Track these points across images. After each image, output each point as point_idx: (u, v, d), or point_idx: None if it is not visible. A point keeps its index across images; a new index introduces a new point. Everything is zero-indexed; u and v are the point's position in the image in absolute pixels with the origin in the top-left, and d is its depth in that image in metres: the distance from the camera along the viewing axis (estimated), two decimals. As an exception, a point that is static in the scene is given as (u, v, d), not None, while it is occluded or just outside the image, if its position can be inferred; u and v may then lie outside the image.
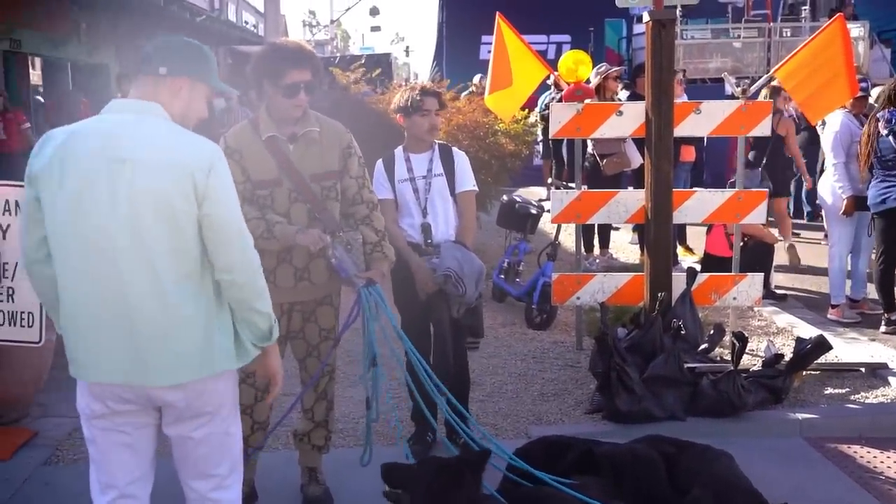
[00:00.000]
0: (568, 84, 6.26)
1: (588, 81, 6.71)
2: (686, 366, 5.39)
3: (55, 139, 2.74)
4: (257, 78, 3.94)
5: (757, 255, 7.99)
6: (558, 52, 19.71)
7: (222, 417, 2.96)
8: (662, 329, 5.54)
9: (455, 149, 4.93)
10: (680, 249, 9.74)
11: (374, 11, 47.63)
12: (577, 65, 6.20)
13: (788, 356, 5.66)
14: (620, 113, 6.11)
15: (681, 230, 9.59)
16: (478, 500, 3.25)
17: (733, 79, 6.33)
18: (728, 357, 5.47)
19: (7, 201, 4.81)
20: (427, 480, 3.21)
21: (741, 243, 8.06)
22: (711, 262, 7.95)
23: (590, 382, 5.59)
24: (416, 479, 3.25)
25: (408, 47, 62.71)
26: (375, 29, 51.98)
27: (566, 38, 19.52)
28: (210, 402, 2.89)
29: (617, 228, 10.38)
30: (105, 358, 2.75)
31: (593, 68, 9.16)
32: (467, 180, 4.82)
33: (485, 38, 17.32)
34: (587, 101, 6.17)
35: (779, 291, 8.24)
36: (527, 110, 8.62)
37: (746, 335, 5.43)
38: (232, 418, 3.02)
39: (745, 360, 5.99)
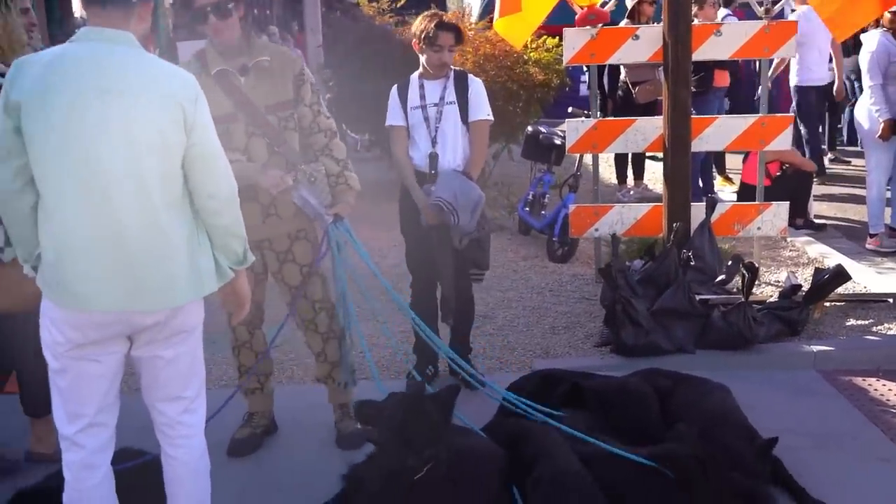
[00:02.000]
0: (581, 8, 6.03)
1: (604, 5, 6.45)
2: (698, 297, 5.26)
3: (31, 67, 2.70)
4: (177, 8, 3.82)
5: (795, 184, 7.74)
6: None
7: (195, 338, 3.03)
8: (677, 261, 5.40)
9: (471, 76, 4.76)
10: (719, 179, 9.48)
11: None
12: (591, -12, 5.96)
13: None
14: (637, 37, 5.89)
15: (719, 158, 9.30)
16: (442, 431, 3.21)
17: (756, -2, 6.01)
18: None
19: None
20: (389, 414, 3.18)
21: (780, 172, 7.89)
22: (748, 192, 7.70)
23: (603, 316, 5.49)
24: (381, 415, 3.23)
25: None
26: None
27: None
28: (187, 321, 2.96)
29: (657, 158, 10.11)
30: (102, 287, 2.75)
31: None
32: (481, 109, 4.66)
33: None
34: (601, 25, 5.93)
35: (818, 221, 7.96)
36: (557, 38, 8.35)
37: (757, 265, 5.27)
38: (200, 341, 3.07)
39: (767, 292, 5.85)
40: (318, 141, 4.00)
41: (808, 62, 8.84)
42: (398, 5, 9.09)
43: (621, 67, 8.63)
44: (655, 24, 6.58)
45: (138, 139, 2.72)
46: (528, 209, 7.68)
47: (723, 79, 8.46)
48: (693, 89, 6.01)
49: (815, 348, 5.06)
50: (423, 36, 4.56)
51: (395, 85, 4.71)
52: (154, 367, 2.97)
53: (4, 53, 3.77)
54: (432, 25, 4.54)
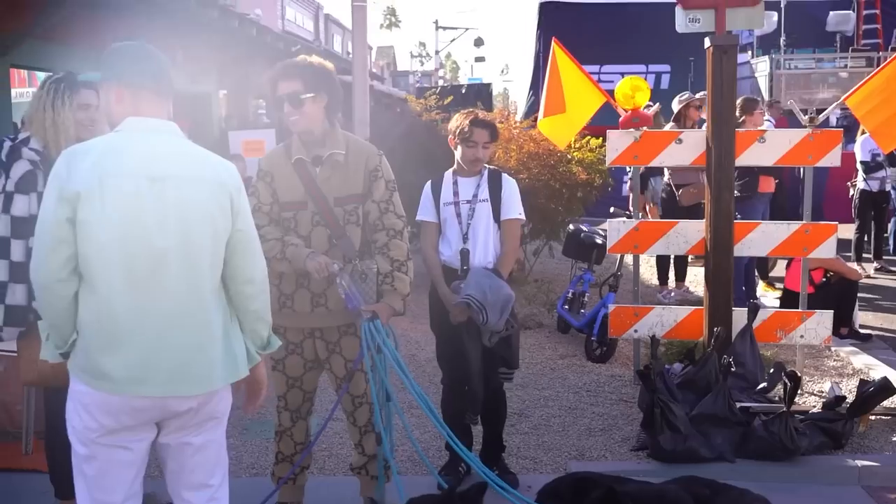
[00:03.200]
0: (625, 111, 6.11)
1: (647, 108, 6.53)
2: (739, 405, 5.15)
3: (85, 157, 2.76)
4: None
5: (840, 292, 7.63)
6: (657, 83, 19.45)
7: (223, 425, 3.05)
8: (718, 366, 5.32)
9: (505, 175, 4.82)
10: (761, 284, 9.39)
11: (478, 42, 47.98)
12: (634, 91, 6.04)
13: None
14: (680, 141, 5.94)
15: (762, 263, 9.23)
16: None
17: (798, 107, 6.06)
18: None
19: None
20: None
21: (824, 279, 7.79)
22: (791, 298, 7.59)
23: (640, 418, 5.39)
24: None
25: (512, 79, 63.03)
26: (480, 59, 52.24)
27: (666, 67, 19.22)
28: (218, 408, 2.99)
29: (700, 260, 10.06)
30: (145, 372, 2.77)
31: (676, 97, 8.97)
32: (513, 208, 4.71)
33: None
34: (644, 128, 5.99)
35: (864, 331, 7.81)
36: (600, 138, 8.46)
37: (800, 374, 5.15)
38: (224, 428, 3.08)
39: (809, 402, 5.72)
40: (379, 238, 4.02)
41: None
42: (445, 103, 9.29)
43: (665, 170, 8.69)
44: (698, 127, 6.65)
45: (192, 226, 2.81)
46: (567, 307, 7.65)
47: (768, 184, 8.46)
48: (737, 193, 6.01)
49: (860, 463, 4.90)
50: (458, 132, 4.65)
51: (430, 181, 4.78)
52: (183, 454, 2.97)
53: (49, 146, 3.87)
54: (467, 122, 4.64)
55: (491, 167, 4.83)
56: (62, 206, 2.70)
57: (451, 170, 4.78)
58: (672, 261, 9.19)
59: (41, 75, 9.74)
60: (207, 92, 18.74)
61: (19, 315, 3.78)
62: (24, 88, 9.26)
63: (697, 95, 8.92)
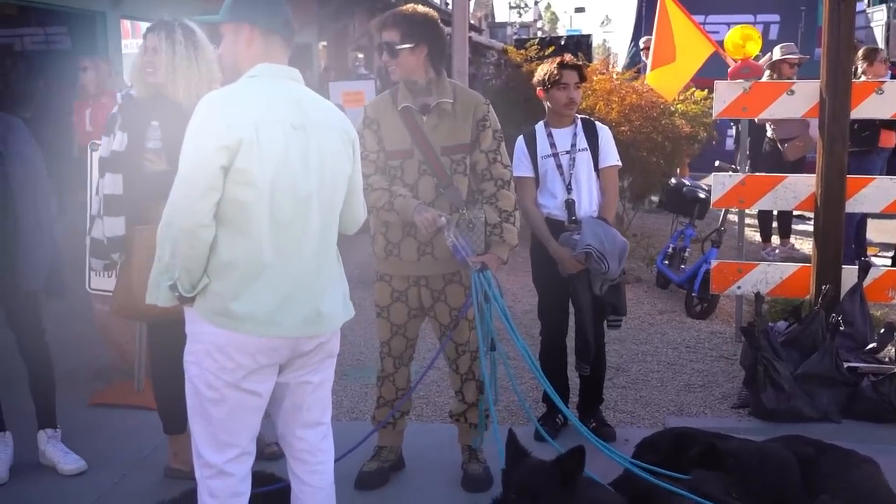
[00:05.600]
0: (735, 61, 5.91)
1: (758, 59, 6.31)
2: (847, 365, 5.00)
3: (237, 106, 2.77)
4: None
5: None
6: (766, 33, 18.73)
7: (334, 364, 3.16)
8: (825, 325, 5.17)
9: (598, 123, 4.78)
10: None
11: (577, -9, 47.13)
12: (745, 40, 5.82)
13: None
14: (792, 92, 5.71)
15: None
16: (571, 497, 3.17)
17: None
18: (897, 358, 5.03)
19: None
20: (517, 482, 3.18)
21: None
22: (904, 258, 7.33)
23: (742, 376, 5.30)
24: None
25: (612, 30, 61.79)
26: (579, 10, 51.40)
27: (775, 17, 18.43)
28: (335, 346, 3.11)
29: (806, 218, 9.75)
30: (286, 313, 2.84)
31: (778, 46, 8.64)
32: (611, 155, 4.68)
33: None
34: (755, 79, 5.79)
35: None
36: (706, 90, 8.22)
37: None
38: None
39: (924, 364, 5.51)
40: (487, 188, 4.02)
41: None
42: (546, 53, 9.15)
43: (767, 125, 8.41)
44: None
45: (329, 172, 2.93)
46: (667, 262, 7.53)
47: (889, 139, 8.09)
48: (854, 148, 5.78)
49: (976, 428, 4.72)
50: (547, 78, 4.60)
51: (521, 136, 4.74)
52: (302, 392, 3.05)
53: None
54: (554, 67, 4.61)
55: (582, 116, 4.77)
56: (220, 154, 2.71)
57: (541, 122, 4.74)
58: (776, 217, 8.92)
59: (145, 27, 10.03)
60: (308, 43, 18.96)
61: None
62: (135, 40, 9.53)
63: (794, 55, 8.52)
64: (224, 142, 2.70)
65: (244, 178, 2.73)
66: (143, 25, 9.94)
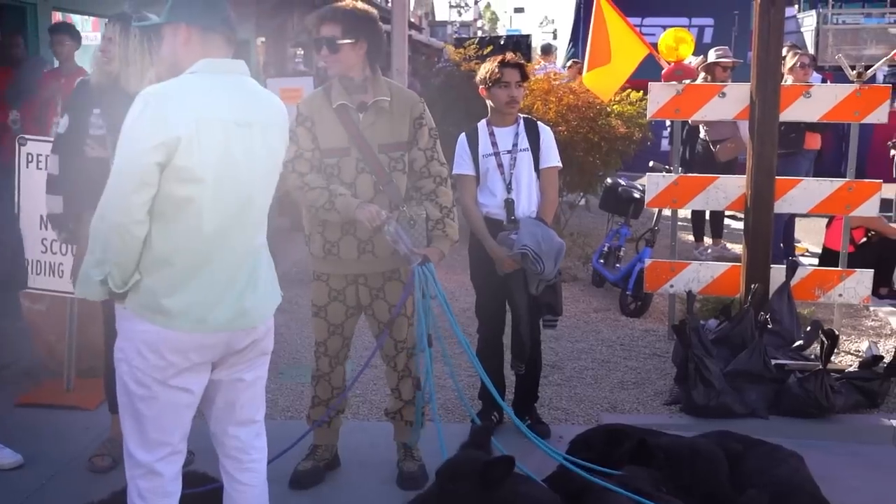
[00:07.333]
0: (668, 63, 6.01)
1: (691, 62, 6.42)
2: (774, 362, 5.13)
3: (176, 102, 2.71)
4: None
5: (880, 251, 7.54)
6: (700, 36, 19.03)
7: (267, 362, 3.14)
8: (754, 323, 5.29)
9: (541, 123, 4.82)
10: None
11: (516, -9, 47.37)
12: (678, 43, 5.93)
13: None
14: (723, 94, 5.84)
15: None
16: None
17: (847, 62, 5.93)
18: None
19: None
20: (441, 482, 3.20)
21: (865, 239, 7.69)
22: (831, 257, 7.51)
23: (674, 373, 5.39)
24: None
25: (555, 30, 62.13)
26: (519, 10, 51.67)
27: (709, 21, 18.77)
28: (268, 343, 3.10)
29: (736, 218, 9.95)
30: (221, 308, 2.83)
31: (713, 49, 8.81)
32: (552, 156, 4.72)
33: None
34: (688, 81, 5.90)
35: (904, 291, 7.72)
36: (641, 91, 8.33)
37: (837, 333, 5.11)
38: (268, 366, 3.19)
39: (846, 361, 5.69)
40: (426, 185, 4.04)
41: None
42: (484, 53, 9.18)
43: (700, 126, 8.56)
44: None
45: (269, 168, 2.97)
46: (602, 261, 7.62)
47: (814, 141, 8.31)
48: (781, 150, 5.92)
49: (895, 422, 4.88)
50: (488, 76, 4.62)
51: (463, 134, 4.75)
52: (234, 390, 3.03)
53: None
54: (496, 65, 4.62)
55: (525, 116, 4.81)
56: (156, 151, 2.66)
57: (483, 121, 4.75)
58: (708, 217, 9.10)
59: (77, 18, 9.80)
60: (245, 39, 18.74)
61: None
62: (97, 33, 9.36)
63: (728, 58, 8.68)
64: (161, 138, 2.65)
65: (184, 174, 2.70)
66: (76, 17, 9.77)
